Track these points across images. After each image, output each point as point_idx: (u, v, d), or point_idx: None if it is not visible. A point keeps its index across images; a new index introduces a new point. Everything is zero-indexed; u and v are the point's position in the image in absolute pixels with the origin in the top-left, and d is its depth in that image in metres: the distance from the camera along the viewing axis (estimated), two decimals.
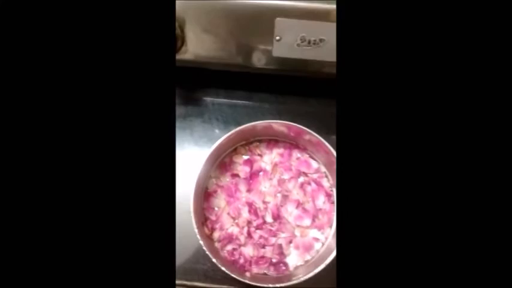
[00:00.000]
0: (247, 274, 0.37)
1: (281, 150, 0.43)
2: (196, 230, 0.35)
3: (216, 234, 0.39)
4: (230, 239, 0.39)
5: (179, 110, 0.47)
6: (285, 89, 0.48)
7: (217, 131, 0.46)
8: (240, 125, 0.39)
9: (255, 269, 0.38)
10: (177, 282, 0.40)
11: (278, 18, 0.38)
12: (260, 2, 0.38)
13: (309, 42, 0.39)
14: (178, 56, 0.42)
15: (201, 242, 0.34)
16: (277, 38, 0.40)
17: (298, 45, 0.40)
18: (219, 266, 0.34)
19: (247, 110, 0.48)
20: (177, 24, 0.40)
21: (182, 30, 0.41)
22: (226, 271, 0.34)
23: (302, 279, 0.33)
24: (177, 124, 0.47)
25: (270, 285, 0.34)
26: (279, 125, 0.40)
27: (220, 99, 0.48)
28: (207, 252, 0.34)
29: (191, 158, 0.44)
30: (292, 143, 0.43)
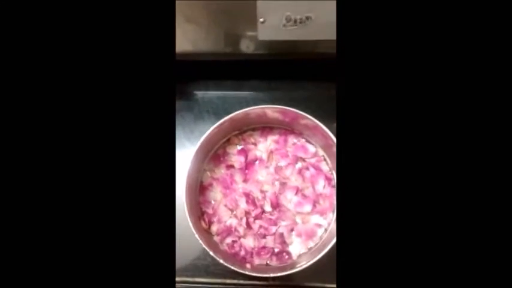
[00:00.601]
0: (248, 266, 0.36)
1: (276, 137, 0.41)
2: (191, 225, 0.33)
3: (214, 228, 0.38)
4: (229, 231, 0.38)
5: None
6: (277, 74, 0.46)
7: (209, 124, 0.45)
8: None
9: (256, 260, 0.37)
10: (179, 279, 0.39)
11: (259, 1, 0.36)
12: None
13: (295, 21, 0.37)
14: None
15: (197, 237, 0.33)
16: (261, 20, 0.38)
17: (284, 25, 0.38)
18: (218, 259, 0.33)
19: (238, 99, 0.46)
20: None
21: None
22: (226, 264, 0.33)
23: (304, 266, 0.32)
24: None
25: (271, 275, 0.32)
26: (273, 110, 0.39)
27: (210, 91, 0.47)
28: (204, 246, 0.33)
29: (184, 153, 0.43)
30: (287, 129, 0.42)
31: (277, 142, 0.41)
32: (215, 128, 0.37)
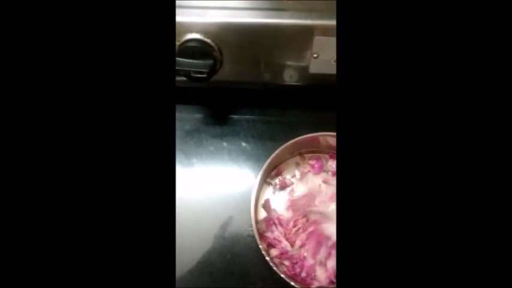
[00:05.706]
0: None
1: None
2: (264, 253, 0.35)
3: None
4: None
5: (215, 130, 0.48)
6: (318, 103, 0.49)
7: (254, 147, 0.47)
8: (275, 140, 0.41)
9: (315, 283, 0.38)
10: None
11: (317, 37, 0.40)
12: (300, 22, 0.40)
13: None
14: (216, 77, 0.43)
15: (267, 258, 0.34)
16: (315, 55, 0.42)
17: (335, 61, 0.42)
18: (279, 272, 0.34)
19: (282, 125, 0.49)
20: (216, 47, 0.42)
21: (221, 53, 0.42)
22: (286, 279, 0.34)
23: None
24: (214, 144, 0.47)
25: None
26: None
27: (255, 116, 0.49)
28: (277, 271, 0.34)
29: (235, 174, 0.45)
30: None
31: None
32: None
